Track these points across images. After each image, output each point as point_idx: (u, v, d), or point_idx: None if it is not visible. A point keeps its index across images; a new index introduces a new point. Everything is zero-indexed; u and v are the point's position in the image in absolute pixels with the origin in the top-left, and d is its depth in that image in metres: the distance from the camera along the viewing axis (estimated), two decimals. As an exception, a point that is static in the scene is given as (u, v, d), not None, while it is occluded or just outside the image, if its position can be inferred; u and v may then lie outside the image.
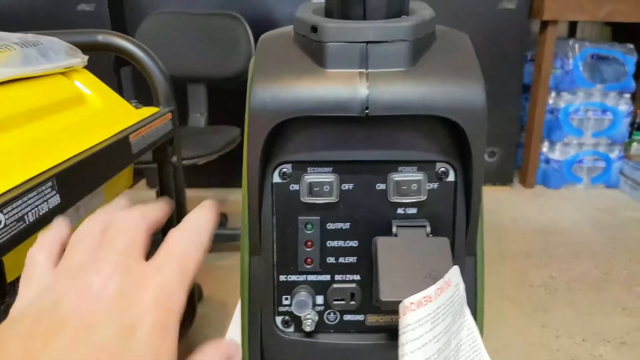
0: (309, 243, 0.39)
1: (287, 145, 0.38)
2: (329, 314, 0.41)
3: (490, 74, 2.21)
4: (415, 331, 0.33)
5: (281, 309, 0.41)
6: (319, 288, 0.40)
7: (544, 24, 2.23)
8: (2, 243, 0.43)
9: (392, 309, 0.34)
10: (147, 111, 0.83)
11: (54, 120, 0.62)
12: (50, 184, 0.47)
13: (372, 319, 0.42)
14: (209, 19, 1.79)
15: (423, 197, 0.39)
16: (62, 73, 0.74)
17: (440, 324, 0.34)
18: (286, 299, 0.40)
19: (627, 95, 2.34)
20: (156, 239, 0.28)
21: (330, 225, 0.39)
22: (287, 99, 0.35)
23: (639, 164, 2.26)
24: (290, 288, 0.40)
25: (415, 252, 0.37)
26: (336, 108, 0.35)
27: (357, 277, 0.41)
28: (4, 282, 0.50)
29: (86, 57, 0.79)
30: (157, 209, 0.28)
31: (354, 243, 0.40)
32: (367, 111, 0.35)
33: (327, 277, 0.40)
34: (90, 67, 0.81)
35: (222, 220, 1.97)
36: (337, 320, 0.41)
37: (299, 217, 0.39)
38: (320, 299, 0.41)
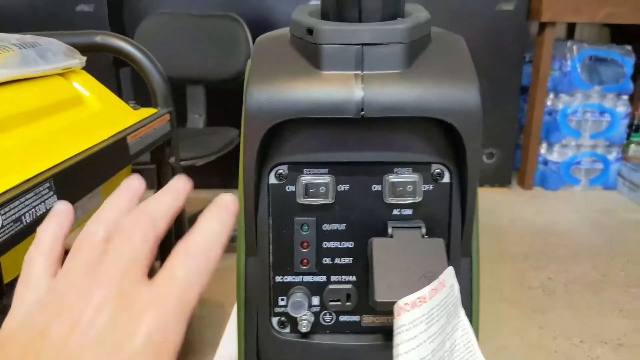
0: (305, 244, 0.40)
1: (283, 147, 0.38)
2: (324, 314, 0.41)
3: (489, 75, 2.22)
4: (409, 332, 0.33)
5: (277, 309, 0.41)
6: (315, 289, 0.40)
7: (542, 26, 2.24)
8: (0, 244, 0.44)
9: (387, 309, 0.34)
10: (145, 112, 0.83)
11: (52, 121, 0.63)
12: (47, 184, 0.48)
13: (367, 320, 0.42)
14: (208, 21, 1.79)
15: (418, 199, 0.39)
16: (61, 74, 0.74)
17: (434, 324, 0.34)
18: (282, 299, 0.41)
19: (625, 97, 2.35)
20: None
21: (326, 226, 0.39)
22: (283, 100, 0.35)
23: (637, 165, 2.27)
24: (286, 289, 0.40)
25: (411, 253, 0.37)
26: (332, 110, 0.35)
27: (353, 278, 0.41)
28: (1, 283, 0.50)
29: (84, 58, 0.79)
30: (170, 206, 0.26)
31: (349, 244, 0.40)
32: (362, 113, 0.35)
33: (323, 278, 0.40)
34: (89, 68, 0.81)
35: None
36: (333, 321, 0.41)
37: (295, 218, 0.39)
38: (316, 300, 0.41)
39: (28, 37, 0.75)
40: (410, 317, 0.33)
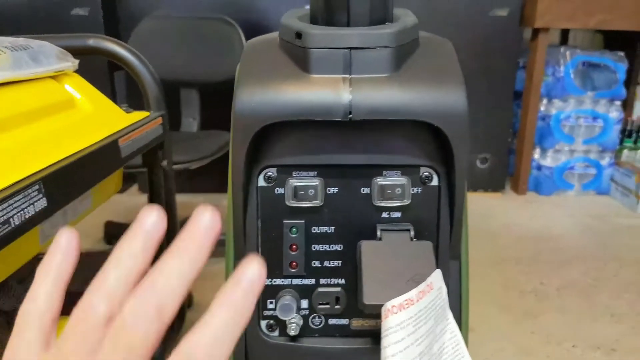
0: (294, 247, 0.40)
1: (272, 150, 0.38)
2: (313, 318, 0.41)
3: (483, 80, 2.23)
4: (397, 334, 0.33)
5: (266, 313, 0.41)
6: (304, 292, 0.40)
7: (536, 32, 2.25)
8: (-12, 246, 0.44)
9: (375, 312, 0.34)
10: (138, 115, 0.83)
11: (43, 124, 0.62)
12: (37, 187, 0.47)
13: (357, 323, 0.42)
14: (203, 24, 1.79)
15: (407, 201, 0.39)
16: (53, 77, 0.74)
17: (422, 327, 0.34)
18: (271, 302, 0.41)
19: (618, 103, 2.36)
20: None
21: (315, 229, 0.40)
22: (271, 103, 0.35)
23: (630, 170, 2.28)
24: (274, 292, 0.40)
25: (399, 256, 0.37)
26: (320, 113, 0.35)
27: (342, 281, 0.41)
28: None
29: (77, 61, 0.79)
30: (184, 279, 0.22)
31: (338, 247, 0.40)
32: (350, 116, 0.35)
33: (312, 281, 0.40)
34: (83, 71, 0.81)
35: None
36: (321, 325, 0.41)
37: (284, 221, 0.39)
38: (305, 303, 0.41)
39: (20, 40, 0.75)
40: (397, 320, 0.33)
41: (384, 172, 0.39)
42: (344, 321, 0.41)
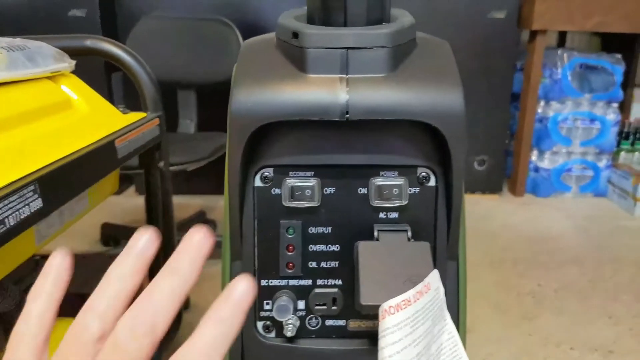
0: (291, 247, 0.39)
1: (269, 150, 0.38)
2: (310, 319, 0.41)
3: (480, 82, 2.24)
4: (394, 335, 0.33)
5: (262, 314, 0.41)
6: (301, 293, 0.40)
7: (533, 34, 2.26)
8: (-17, 247, 0.43)
9: (372, 313, 0.34)
10: (134, 116, 0.83)
11: (39, 125, 0.62)
12: (32, 187, 0.47)
13: (354, 325, 0.42)
14: (200, 25, 1.79)
15: (404, 202, 0.39)
16: (49, 77, 0.74)
17: (419, 327, 0.34)
18: (267, 303, 0.40)
19: (615, 105, 2.37)
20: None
21: (312, 230, 0.39)
22: (268, 103, 0.35)
23: (627, 172, 2.28)
24: (271, 293, 0.40)
25: (396, 257, 0.37)
26: (317, 112, 0.35)
27: (339, 282, 0.41)
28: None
29: (73, 62, 0.79)
30: (177, 296, 0.23)
31: (335, 247, 0.40)
32: (347, 116, 0.35)
33: (309, 282, 0.40)
34: (80, 72, 0.81)
35: (210, 227, 1.96)
36: (318, 326, 0.41)
37: (281, 221, 0.39)
38: (301, 304, 0.41)
39: (17, 40, 0.75)
40: (394, 320, 0.33)
41: (381, 173, 0.39)
42: (341, 322, 0.41)
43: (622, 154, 2.50)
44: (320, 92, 0.35)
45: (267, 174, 0.38)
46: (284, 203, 0.38)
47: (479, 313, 1.45)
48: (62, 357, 0.22)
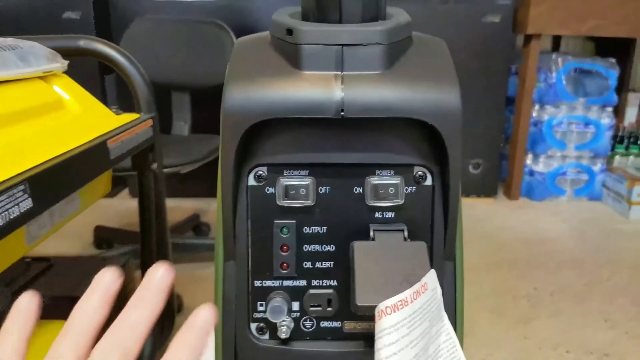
0: (285, 247, 0.39)
1: (262, 148, 0.37)
2: (305, 320, 0.40)
3: (475, 86, 2.24)
4: (391, 336, 0.32)
5: (256, 315, 0.40)
6: (295, 294, 0.40)
7: (528, 38, 2.26)
8: (-29, 248, 0.42)
9: (368, 314, 0.33)
10: (127, 117, 0.82)
11: (30, 124, 0.61)
12: (22, 187, 0.46)
13: (349, 326, 0.41)
14: (195, 27, 1.78)
15: (400, 201, 0.38)
16: (42, 77, 0.73)
17: (417, 328, 0.33)
18: (261, 305, 0.40)
19: (610, 109, 2.38)
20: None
21: (307, 229, 0.39)
22: (262, 100, 0.35)
23: (621, 176, 2.29)
24: (265, 294, 0.39)
25: (393, 257, 0.37)
26: (311, 110, 0.34)
27: (334, 283, 0.40)
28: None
29: (66, 62, 0.78)
30: (145, 322, 0.25)
31: (330, 247, 0.39)
32: (342, 113, 0.34)
33: (303, 283, 0.39)
34: (73, 74, 0.80)
35: (204, 229, 1.95)
36: (313, 327, 0.40)
37: (275, 221, 0.38)
38: (296, 305, 0.40)
39: (9, 40, 0.74)
40: (391, 321, 0.32)
41: (377, 172, 0.38)
42: (336, 324, 0.40)
43: (617, 157, 2.51)
44: (315, 89, 0.35)
45: (260, 172, 0.38)
46: (278, 202, 0.38)
47: (475, 316, 1.45)
48: None
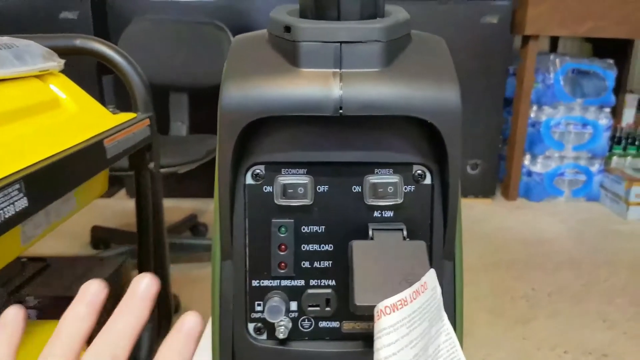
0: (283, 247, 0.38)
1: (260, 146, 0.37)
2: (303, 320, 0.40)
3: (474, 87, 2.24)
4: (390, 336, 0.32)
5: (253, 315, 0.39)
6: (293, 293, 0.39)
7: (526, 39, 2.26)
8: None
9: (367, 314, 0.33)
10: (124, 116, 0.81)
11: (26, 123, 0.61)
12: (17, 186, 0.46)
13: (348, 326, 0.41)
14: (193, 28, 1.78)
15: (399, 200, 0.38)
16: (38, 76, 0.73)
17: (416, 328, 0.33)
18: (258, 305, 0.39)
19: (607, 110, 2.38)
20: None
21: (305, 229, 0.38)
22: (259, 97, 0.34)
23: (619, 177, 2.29)
24: (262, 293, 0.39)
25: (392, 256, 0.36)
26: (309, 108, 0.34)
27: (332, 283, 0.40)
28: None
29: (62, 61, 0.77)
30: (132, 329, 0.26)
31: (329, 247, 0.39)
32: (340, 111, 0.34)
33: (302, 282, 0.39)
34: (71, 75, 0.80)
35: (202, 230, 1.95)
36: (311, 327, 0.40)
37: (273, 220, 0.38)
38: (294, 305, 0.40)
39: (5, 39, 0.74)
40: (390, 321, 0.32)
41: (376, 170, 0.38)
42: (335, 324, 0.40)
43: (614, 158, 2.51)
44: (313, 86, 0.34)
45: (258, 171, 0.37)
46: (275, 201, 0.37)
47: (473, 317, 1.45)
48: None
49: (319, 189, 0.38)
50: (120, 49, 0.87)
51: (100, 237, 1.78)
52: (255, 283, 0.39)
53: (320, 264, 0.39)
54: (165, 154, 1.28)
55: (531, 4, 2.16)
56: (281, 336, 0.38)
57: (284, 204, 0.37)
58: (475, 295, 1.57)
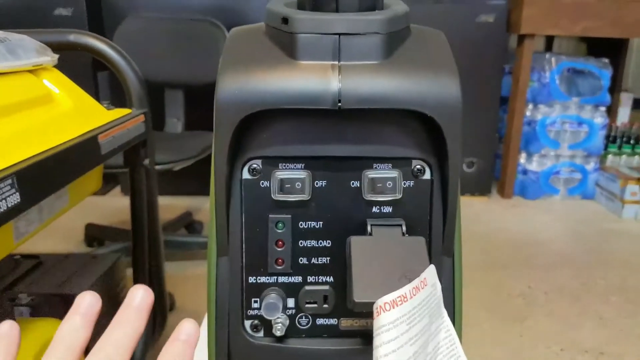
0: (280, 243, 0.38)
1: (257, 140, 0.36)
2: (300, 317, 0.39)
3: (469, 85, 2.24)
4: (389, 332, 0.31)
5: (250, 312, 0.39)
6: (290, 290, 0.39)
7: (522, 38, 2.27)
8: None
9: (366, 310, 0.33)
10: (119, 112, 0.81)
11: (19, 118, 0.60)
12: (9, 181, 0.45)
13: (346, 323, 0.40)
14: (188, 25, 1.77)
15: (398, 196, 0.37)
16: (31, 71, 0.72)
17: (416, 325, 0.33)
18: (255, 301, 0.39)
19: (603, 108, 2.38)
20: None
21: (302, 224, 0.38)
22: (256, 90, 0.34)
23: (614, 175, 2.30)
24: (259, 290, 0.38)
25: (391, 252, 0.36)
26: (307, 101, 0.33)
27: (330, 279, 0.39)
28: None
29: (56, 56, 0.76)
30: (129, 340, 0.27)
31: (327, 243, 0.38)
32: (339, 104, 0.33)
33: (299, 279, 0.38)
34: (66, 71, 0.79)
35: (197, 227, 1.94)
36: (309, 325, 0.40)
37: (270, 216, 0.37)
38: (291, 302, 0.39)
39: (-2, 33, 0.73)
40: (390, 317, 0.31)
41: (375, 165, 0.37)
42: (333, 321, 0.39)
43: (610, 157, 2.52)
44: (311, 79, 0.34)
45: (255, 166, 0.37)
46: (272, 196, 0.37)
47: (470, 315, 1.45)
48: None
49: (316, 184, 0.37)
50: (113, 43, 0.86)
51: (95, 234, 1.77)
52: (252, 280, 0.38)
53: (318, 260, 0.38)
54: (161, 151, 1.27)
55: (527, 3, 2.16)
56: (278, 333, 0.38)
57: (281, 199, 0.37)
58: (471, 293, 1.57)
